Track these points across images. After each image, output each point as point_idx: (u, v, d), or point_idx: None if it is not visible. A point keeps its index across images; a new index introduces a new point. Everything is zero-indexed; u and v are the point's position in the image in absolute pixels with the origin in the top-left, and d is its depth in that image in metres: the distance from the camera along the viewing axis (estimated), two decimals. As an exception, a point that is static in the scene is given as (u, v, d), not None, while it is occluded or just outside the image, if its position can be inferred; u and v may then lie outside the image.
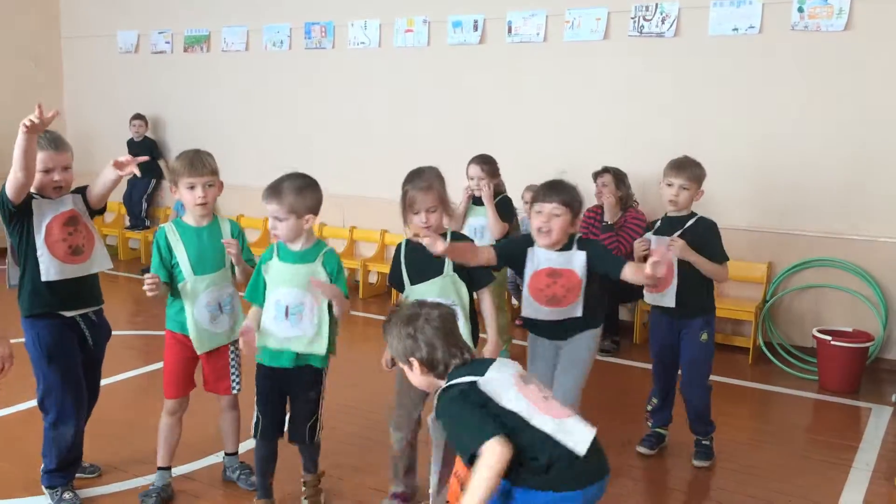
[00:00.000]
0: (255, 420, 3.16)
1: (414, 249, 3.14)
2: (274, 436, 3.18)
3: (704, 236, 3.64)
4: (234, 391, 3.42)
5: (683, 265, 3.58)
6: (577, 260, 3.19)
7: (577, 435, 2.15)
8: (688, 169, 3.65)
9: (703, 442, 3.82)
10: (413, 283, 3.10)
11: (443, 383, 2.23)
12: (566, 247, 3.22)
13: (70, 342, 3.23)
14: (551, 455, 2.11)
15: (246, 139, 8.31)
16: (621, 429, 4.23)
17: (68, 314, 3.23)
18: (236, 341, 3.32)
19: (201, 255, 3.25)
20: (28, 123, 2.84)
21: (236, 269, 3.32)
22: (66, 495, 3.29)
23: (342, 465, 3.67)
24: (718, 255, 3.66)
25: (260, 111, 8.20)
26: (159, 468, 3.41)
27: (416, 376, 2.30)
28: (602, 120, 6.23)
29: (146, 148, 8.33)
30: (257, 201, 9.08)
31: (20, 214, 3.11)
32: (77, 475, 3.43)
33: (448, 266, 3.08)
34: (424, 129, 7.15)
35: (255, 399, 3.17)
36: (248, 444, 3.66)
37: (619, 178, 5.71)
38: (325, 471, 3.36)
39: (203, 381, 3.43)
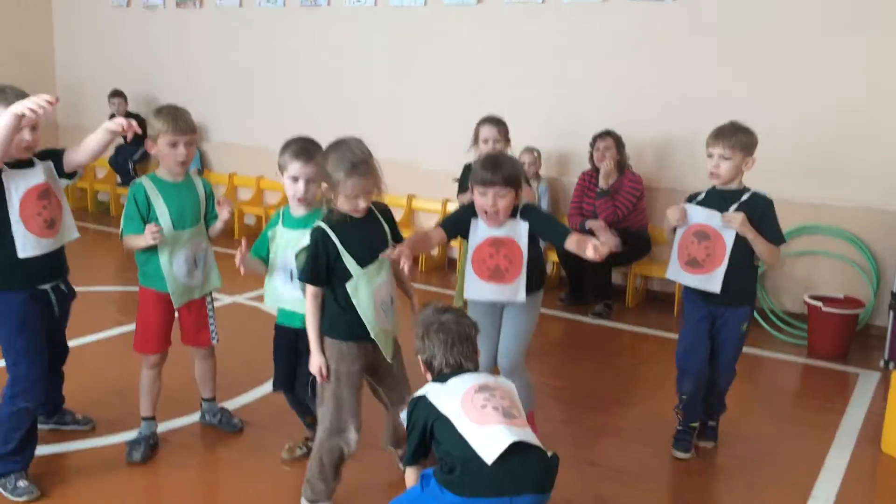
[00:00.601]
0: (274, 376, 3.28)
1: (345, 230, 2.76)
2: (286, 388, 3.25)
3: (761, 215, 3.26)
4: (214, 342, 3.52)
5: (736, 247, 3.23)
6: (520, 229, 3.11)
7: (491, 444, 2.17)
8: (729, 136, 3.24)
9: (711, 423, 3.63)
10: (364, 265, 2.78)
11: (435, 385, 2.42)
12: (509, 216, 3.14)
13: (38, 313, 3.10)
14: (461, 458, 2.19)
15: (238, 97, 8.23)
16: (611, 389, 4.27)
17: (41, 287, 3.11)
18: (210, 293, 3.49)
19: (181, 211, 3.28)
20: (26, 112, 2.63)
21: (211, 225, 3.40)
22: (21, 483, 3.02)
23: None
24: (776, 236, 3.29)
25: (253, 69, 8.10)
26: (144, 418, 3.46)
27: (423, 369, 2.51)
28: (600, 81, 6.17)
29: (134, 141, 8.20)
30: (249, 160, 9.07)
31: None
32: (70, 426, 3.45)
33: (389, 238, 2.90)
34: (422, 90, 7.08)
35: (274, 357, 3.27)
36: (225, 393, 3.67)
37: (619, 142, 5.69)
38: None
39: (181, 334, 3.49)
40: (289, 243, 3.05)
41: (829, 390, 4.44)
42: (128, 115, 8.52)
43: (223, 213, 3.31)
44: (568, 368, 4.60)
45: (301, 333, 3.06)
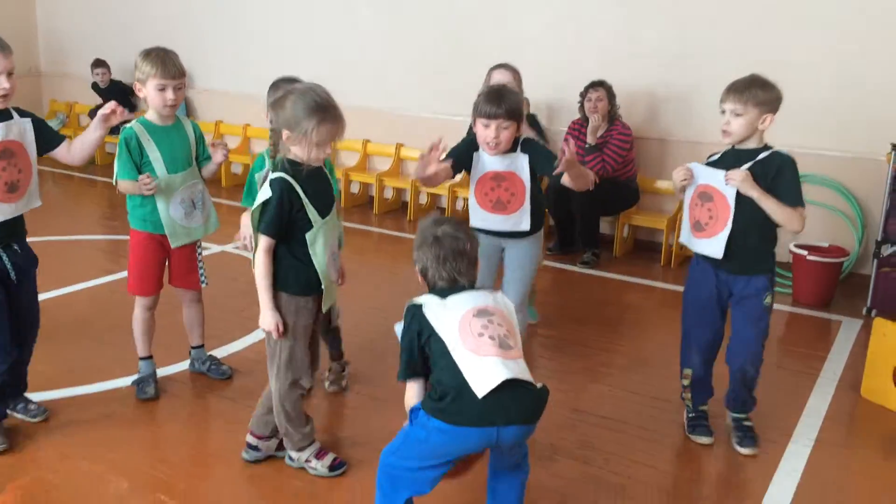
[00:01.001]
0: None
1: (305, 181, 2.66)
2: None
3: (776, 173, 2.93)
4: (203, 285, 3.56)
5: (744, 208, 2.93)
6: (521, 162, 3.21)
7: (484, 377, 2.15)
8: (741, 91, 2.95)
9: (746, 423, 3.22)
10: (324, 215, 2.72)
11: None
12: (510, 150, 3.23)
13: None
14: (453, 386, 2.17)
15: (224, 44, 8.10)
16: (598, 337, 4.32)
17: None
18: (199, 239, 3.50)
19: (173, 154, 3.30)
20: None
21: (203, 166, 3.42)
22: None
23: (364, 355, 3.74)
24: (791, 197, 2.93)
25: (240, 15, 7.95)
26: (143, 358, 3.51)
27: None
28: (594, 31, 6.10)
29: (116, 93, 8.05)
30: (236, 107, 8.99)
31: None
32: (20, 415, 3.21)
33: (335, 188, 2.88)
34: (410, 37, 6.99)
35: None
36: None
37: (611, 92, 5.64)
38: (350, 360, 3.61)
39: (171, 277, 3.51)
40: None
41: (811, 337, 4.51)
42: (112, 82, 8.39)
43: (217, 156, 3.35)
44: (555, 317, 4.64)
45: None
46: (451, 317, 2.25)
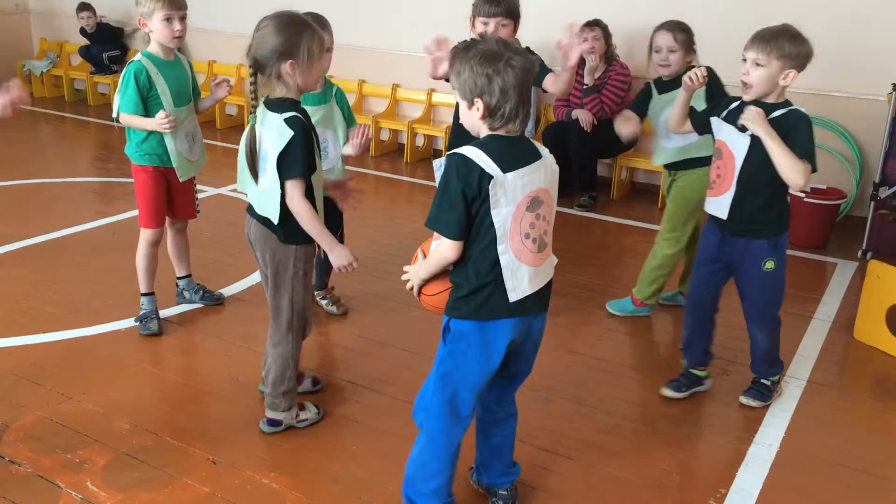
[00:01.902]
0: None
1: (309, 119, 2.58)
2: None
3: (790, 127, 2.76)
4: (198, 213, 3.70)
5: (750, 168, 2.80)
6: None
7: (518, 285, 2.13)
8: (768, 41, 2.74)
9: (762, 380, 3.14)
10: (320, 157, 2.67)
11: (484, 132, 2.11)
12: None
13: None
14: (490, 280, 2.10)
15: (216, -20, 7.91)
16: (594, 280, 4.34)
17: None
18: None
19: (179, 88, 3.37)
20: None
21: (199, 102, 3.53)
22: None
23: (365, 299, 3.77)
24: (800, 146, 2.74)
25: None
26: (145, 294, 3.56)
27: (469, 116, 2.11)
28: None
29: (105, 36, 7.86)
30: (229, 47, 8.85)
31: None
32: None
33: None
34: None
35: None
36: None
37: (607, 32, 5.55)
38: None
39: (170, 210, 3.57)
40: (319, 121, 3.18)
41: (807, 279, 4.53)
42: (99, 25, 8.21)
43: (220, 91, 3.50)
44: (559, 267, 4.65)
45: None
46: (508, 203, 2.06)
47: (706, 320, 3.14)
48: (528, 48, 3.24)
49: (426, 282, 2.24)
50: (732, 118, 2.86)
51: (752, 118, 2.74)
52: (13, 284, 4.02)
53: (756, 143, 2.75)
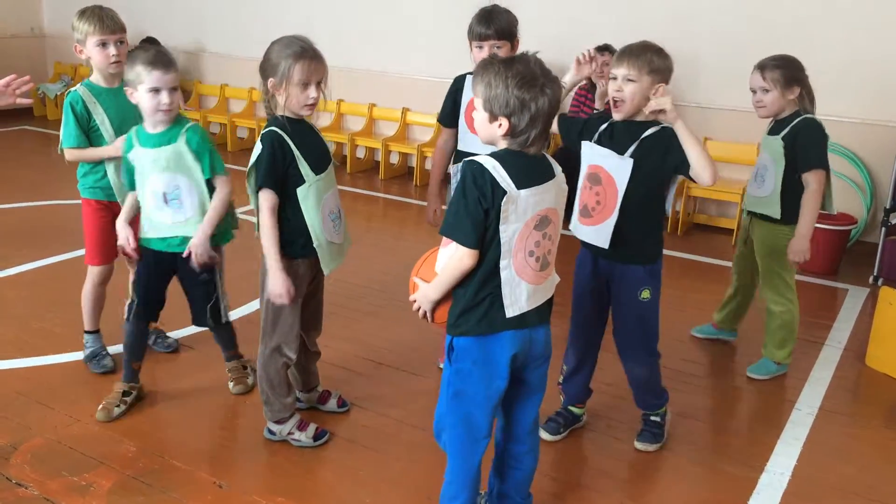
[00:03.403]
0: (129, 303, 3.05)
1: (296, 134, 2.62)
2: (148, 319, 3.10)
3: (668, 144, 2.62)
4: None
5: (632, 194, 2.64)
6: None
7: (515, 301, 2.13)
8: (637, 56, 2.65)
9: (652, 417, 2.98)
10: (318, 172, 2.66)
11: (502, 145, 2.10)
12: None
13: None
14: (490, 293, 2.11)
15: (231, 7, 8.01)
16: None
17: None
18: None
19: (123, 116, 3.14)
20: None
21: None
22: None
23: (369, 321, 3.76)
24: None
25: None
26: (91, 332, 3.44)
27: (490, 130, 2.09)
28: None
29: None
30: (241, 71, 8.92)
31: None
32: None
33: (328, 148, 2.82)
34: (418, 2, 6.91)
35: (134, 282, 3.12)
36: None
37: None
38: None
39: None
40: (156, 164, 2.84)
41: (818, 305, 4.50)
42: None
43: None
44: (561, 283, 4.64)
45: (181, 257, 2.91)
46: (517, 220, 2.06)
47: (591, 356, 2.98)
48: None
49: (438, 304, 2.20)
50: (606, 141, 2.73)
51: (668, 104, 2.55)
52: (26, 305, 4.04)
53: (637, 164, 2.63)
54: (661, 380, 2.99)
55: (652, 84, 2.62)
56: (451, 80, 3.31)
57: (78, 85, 3.16)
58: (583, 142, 2.78)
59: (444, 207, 2.99)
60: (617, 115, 2.70)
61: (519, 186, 2.04)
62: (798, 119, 3.35)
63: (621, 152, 2.66)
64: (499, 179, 2.03)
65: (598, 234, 2.72)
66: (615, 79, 2.67)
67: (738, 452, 2.98)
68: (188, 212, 2.90)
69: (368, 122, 7.36)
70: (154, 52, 2.81)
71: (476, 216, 2.04)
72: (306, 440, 2.89)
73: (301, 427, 2.90)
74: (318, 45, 2.65)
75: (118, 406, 3.03)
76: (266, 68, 2.60)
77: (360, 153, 7.35)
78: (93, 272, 3.36)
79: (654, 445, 2.95)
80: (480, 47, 3.06)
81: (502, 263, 2.09)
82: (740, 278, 3.74)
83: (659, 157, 2.63)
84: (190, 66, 8.50)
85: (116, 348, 3.37)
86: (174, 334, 3.71)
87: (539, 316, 2.22)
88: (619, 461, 2.90)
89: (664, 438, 2.99)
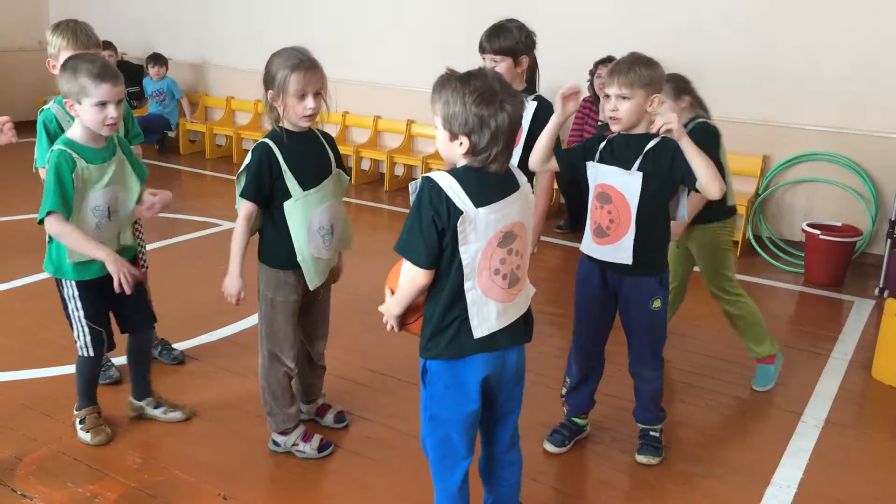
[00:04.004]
0: (90, 338, 2.85)
1: (289, 148, 2.64)
2: (111, 345, 2.96)
3: (673, 157, 2.61)
4: (144, 267, 3.39)
5: (645, 201, 2.64)
6: (527, 112, 3.06)
7: (484, 321, 2.08)
8: (626, 73, 2.61)
9: (652, 433, 2.99)
10: (306, 187, 2.65)
11: (462, 163, 2.05)
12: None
13: None
14: (457, 316, 2.07)
15: (237, 20, 8.06)
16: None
17: None
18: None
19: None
20: None
21: (135, 143, 3.25)
22: None
23: (373, 332, 3.76)
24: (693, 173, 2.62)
25: (249, -12, 7.92)
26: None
27: (450, 148, 2.04)
28: (596, 10, 6.04)
29: (125, 73, 8.00)
30: (247, 83, 8.94)
31: None
32: None
33: (333, 160, 2.79)
34: (426, 13, 6.94)
35: (85, 315, 2.82)
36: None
37: None
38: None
39: None
40: (102, 179, 2.69)
41: (823, 317, 4.49)
42: (119, 64, 8.34)
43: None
44: (565, 296, 4.62)
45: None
46: (478, 240, 2.02)
47: (596, 368, 2.99)
48: (539, 96, 3.18)
49: (404, 315, 2.19)
50: (608, 158, 2.70)
51: (679, 130, 2.53)
52: (30, 317, 4.05)
53: (647, 178, 2.62)
54: (663, 398, 3.01)
55: (646, 97, 2.61)
56: None
57: (51, 102, 3.03)
58: (587, 163, 2.76)
59: None
60: (615, 128, 2.69)
61: (478, 204, 1.99)
62: (693, 123, 3.35)
63: (626, 167, 2.65)
64: (454, 199, 1.98)
65: (618, 251, 2.71)
66: (609, 98, 2.66)
67: (744, 464, 2.96)
68: (123, 222, 2.83)
69: (373, 133, 7.38)
70: (100, 64, 2.63)
71: (429, 236, 2.00)
72: (310, 451, 2.88)
73: (305, 438, 2.90)
74: (323, 56, 2.67)
75: (104, 427, 2.97)
76: (266, 80, 2.63)
77: (365, 165, 7.37)
78: None
79: (657, 458, 2.95)
80: (483, 59, 3.11)
81: (467, 285, 2.05)
82: (672, 279, 3.71)
83: (665, 168, 2.62)
84: (196, 79, 8.54)
85: (120, 360, 3.37)
86: (178, 346, 3.71)
87: (512, 337, 2.16)
88: (623, 473, 2.89)
89: (663, 451, 2.99)
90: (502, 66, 3.07)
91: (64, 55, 2.95)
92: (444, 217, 1.99)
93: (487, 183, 2.03)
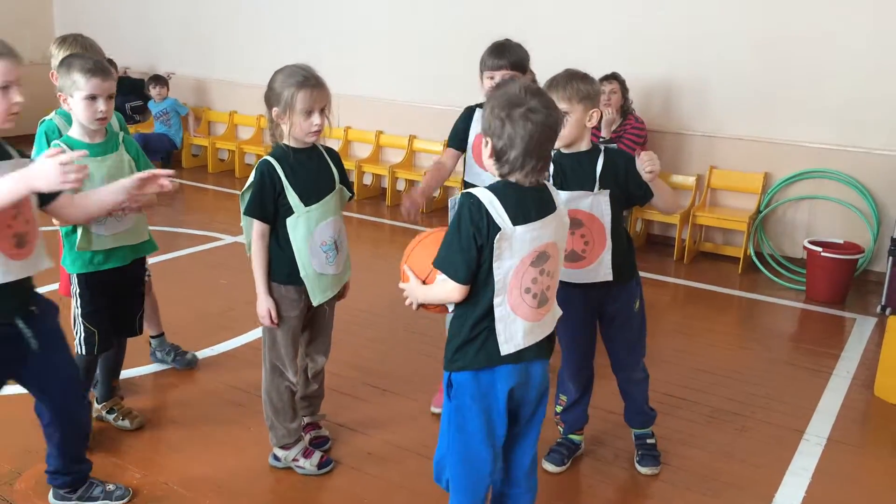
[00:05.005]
0: (84, 336, 2.88)
1: (291, 165, 2.65)
2: (114, 342, 3.02)
3: (625, 170, 2.67)
4: (148, 276, 3.40)
5: (615, 215, 2.68)
6: None
7: (510, 339, 2.10)
8: (564, 87, 2.62)
9: (648, 440, 3.05)
10: (308, 203, 2.67)
11: (495, 172, 2.09)
12: None
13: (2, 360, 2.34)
14: (486, 327, 2.09)
15: (240, 35, 8.11)
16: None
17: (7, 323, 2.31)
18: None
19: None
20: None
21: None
22: None
23: (376, 347, 3.76)
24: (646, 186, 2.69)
25: (256, 6, 7.96)
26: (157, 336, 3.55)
27: (485, 152, 2.10)
28: (598, 26, 6.07)
29: (126, 89, 8.04)
30: (250, 98, 8.95)
31: None
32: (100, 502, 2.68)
33: (337, 175, 2.79)
34: (423, 26, 6.97)
35: (82, 314, 2.86)
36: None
37: (624, 85, 5.61)
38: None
39: None
40: (98, 174, 2.71)
41: (825, 335, 4.48)
42: (120, 78, 8.36)
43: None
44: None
45: (127, 270, 2.90)
46: (512, 257, 2.04)
47: (590, 384, 3.00)
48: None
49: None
50: (565, 183, 2.65)
51: (656, 161, 2.57)
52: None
53: (613, 193, 2.65)
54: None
55: (585, 111, 2.62)
56: (460, 109, 3.32)
57: (52, 113, 3.04)
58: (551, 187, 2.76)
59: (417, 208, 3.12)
60: (557, 143, 2.56)
61: (515, 222, 2.03)
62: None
63: (588, 188, 2.65)
64: (494, 215, 2.01)
65: (599, 269, 2.71)
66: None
67: (746, 482, 2.95)
68: (128, 222, 2.86)
69: (375, 149, 7.40)
70: (92, 61, 2.73)
71: (469, 253, 2.03)
72: (310, 468, 2.87)
73: (306, 454, 2.89)
74: (325, 72, 2.68)
75: (131, 411, 3.17)
76: (270, 97, 2.64)
77: (367, 180, 7.38)
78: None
79: (658, 468, 2.97)
80: (492, 77, 3.07)
81: (496, 300, 2.07)
82: None
83: (621, 183, 2.66)
84: (199, 94, 8.58)
85: (133, 371, 3.39)
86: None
87: (537, 351, 2.18)
88: (625, 492, 2.88)
89: (660, 462, 3.01)
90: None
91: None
92: (484, 233, 2.01)
93: (524, 201, 2.06)
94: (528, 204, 2.06)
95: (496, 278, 2.04)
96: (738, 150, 5.69)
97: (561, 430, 3.06)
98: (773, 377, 3.84)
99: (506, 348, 2.10)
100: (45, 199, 2.36)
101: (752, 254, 5.57)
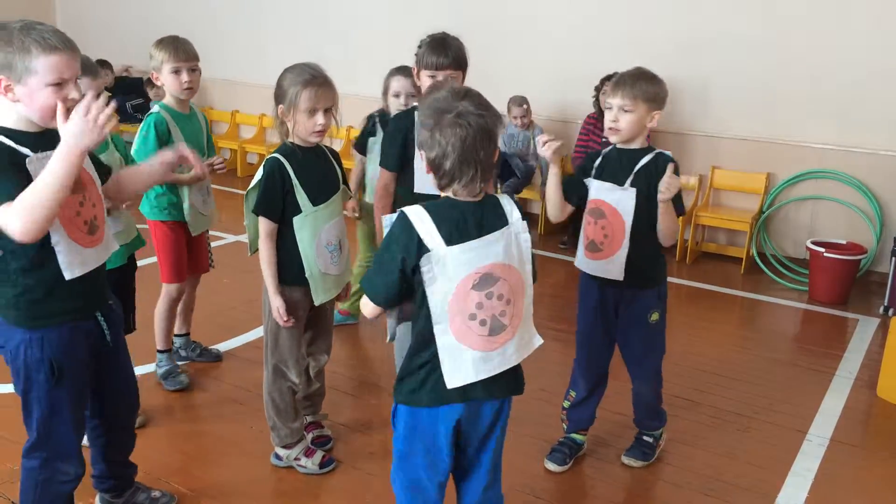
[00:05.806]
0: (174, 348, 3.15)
1: (299, 163, 2.65)
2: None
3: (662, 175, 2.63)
4: (212, 267, 3.69)
5: (639, 217, 2.67)
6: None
7: (458, 371, 1.92)
8: (630, 86, 2.64)
9: (646, 437, 3.04)
10: (317, 203, 2.66)
11: (434, 184, 1.95)
12: None
13: (83, 351, 2.21)
14: (427, 360, 1.94)
15: (242, 33, 8.11)
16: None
17: (88, 317, 2.23)
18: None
19: (197, 141, 3.34)
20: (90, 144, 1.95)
21: (210, 156, 3.48)
22: None
23: (377, 350, 3.76)
24: (679, 204, 2.70)
25: (258, 4, 7.95)
26: (164, 351, 3.51)
27: (424, 168, 1.94)
28: (600, 27, 6.06)
29: (124, 89, 8.04)
30: (252, 97, 8.99)
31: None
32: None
33: (340, 176, 2.80)
34: (425, 30, 6.96)
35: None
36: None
37: None
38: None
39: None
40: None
41: (827, 335, 4.47)
42: (118, 78, 8.36)
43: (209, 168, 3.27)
44: (569, 312, 4.62)
45: (127, 269, 3.09)
46: (447, 281, 1.87)
47: (602, 382, 2.98)
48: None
49: None
50: (603, 174, 2.72)
51: (674, 188, 2.58)
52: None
53: (640, 194, 2.65)
54: (662, 402, 3.02)
55: (648, 112, 2.65)
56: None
57: (155, 107, 3.32)
58: (584, 180, 2.78)
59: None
60: (613, 139, 2.70)
61: (450, 242, 1.85)
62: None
63: (620, 183, 2.68)
64: (422, 234, 1.85)
65: (611, 266, 2.72)
66: (611, 108, 2.67)
67: (748, 484, 2.94)
68: (121, 223, 3.03)
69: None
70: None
71: (390, 276, 1.88)
72: (312, 467, 2.87)
73: (308, 454, 2.88)
74: (328, 71, 2.67)
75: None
76: (278, 95, 2.64)
77: (369, 180, 7.38)
78: (169, 290, 3.46)
79: (640, 462, 2.99)
80: (433, 76, 2.87)
81: (437, 329, 1.89)
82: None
83: (652, 189, 2.63)
84: (201, 93, 8.56)
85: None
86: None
87: (491, 389, 1.97)
88: (627, 492, 2.87)
89: (653, 458, 3.01)
90: (458, 80, 2.91)
91: (166, 68, 3.25)
92: (413, 254, 1.86)
93: (465, 218, 1.89)
94: (468, 220, 1.89)
95: (431, 303, 1.87)
96: (741, 150, 5.68)
97: (565, 427, 3.05)
98: (775, 378, 3.84)
99: (453, 381, 1.91)
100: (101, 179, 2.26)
101: (755, 254, 5.56)
